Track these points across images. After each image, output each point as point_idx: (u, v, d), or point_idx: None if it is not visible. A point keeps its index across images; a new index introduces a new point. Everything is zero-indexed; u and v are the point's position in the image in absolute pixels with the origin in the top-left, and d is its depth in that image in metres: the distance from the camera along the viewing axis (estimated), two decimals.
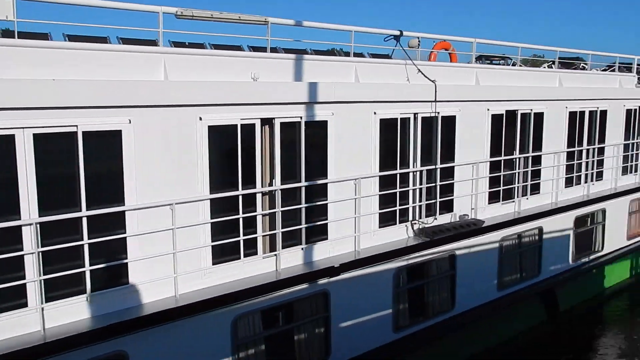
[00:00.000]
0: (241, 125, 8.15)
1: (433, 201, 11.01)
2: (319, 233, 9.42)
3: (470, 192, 11.72)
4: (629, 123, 16.34)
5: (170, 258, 7.60)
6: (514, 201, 12.87)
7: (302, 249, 9.17)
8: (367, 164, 9.93)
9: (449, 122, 11.19)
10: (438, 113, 10.79)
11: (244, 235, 8.40)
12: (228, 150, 8.16)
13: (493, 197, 12.42)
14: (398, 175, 10.35)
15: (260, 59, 8.87)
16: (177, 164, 7.62)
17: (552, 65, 17.50)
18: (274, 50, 11.12)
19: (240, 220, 8.31)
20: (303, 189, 8.99)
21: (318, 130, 9.19)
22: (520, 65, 15.67)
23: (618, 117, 15.84)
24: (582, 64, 17.68)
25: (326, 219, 9.44)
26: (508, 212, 12.74)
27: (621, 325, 14.86)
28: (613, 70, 18.33)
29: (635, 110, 16.55)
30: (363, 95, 9.66)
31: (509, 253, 12.59)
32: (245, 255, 8.48)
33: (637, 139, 16.79)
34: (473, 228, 11.30)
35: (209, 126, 7.82)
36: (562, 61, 17.56)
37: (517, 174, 12.78)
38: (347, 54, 10.94)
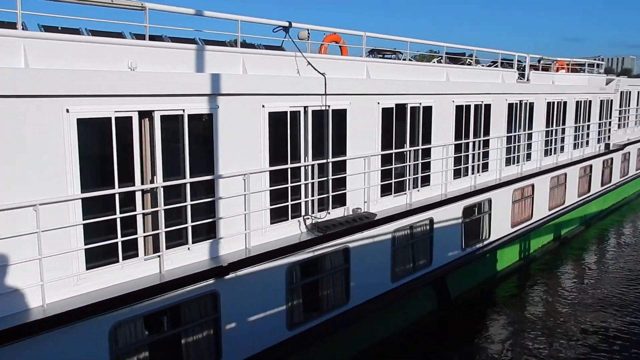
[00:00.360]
0: (116, 118, 7.55)
1: (325, 195, 10.91)
2: (207, 231, 9.00)
3: (362, 185, 11.75)
4: (510, 116, 17.21)
5: (36, 264, 6.90)
6: (405, 193, 13.09)
7: (189, 248, 8.72)
8: (257, 158, 9.62)
9: (340, 116, 11.13)
10: (329, 106, 10.69)
11: (122, 236, 7.82)
12: (101, 146, 7.54)
13: (385, 190, 12.56)
14: (289, 169, 10.14)
15: (140, 47, 8.28)
16: (41, 160, 6.90)
17: (441, 61, 18.08)
18: (157, 38, 10.48)
19: (118, 220, 7.70)
20: (188, 186, 8.53)
21: (203, 124, 8.75)
22: (411, 60, 16.00)
23: (501, 111, 16.62)
24: (468, 60, 18.40)
25: (214, 217, 9.04)
26: (400, 204, 12.95)
27: (511, 306, 15.62)
28: (496, 66, 19.27)
29: (517, 104, 17.45)
30: (250, 88, 9.33)
31: (401, 245, 12.80)
32: (124, 258, 7.90)
33: (518, 131, 17.73)
34: (365, 221, 11.35)
35: (77, 119, 7.16)
36: (449, 56, 18.18)
37: (408, 167, 13.01)
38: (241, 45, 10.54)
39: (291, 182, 10.16)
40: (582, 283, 17.43)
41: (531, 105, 18.26)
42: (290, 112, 10.04)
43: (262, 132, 9.61)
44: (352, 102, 11.28)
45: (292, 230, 10.33)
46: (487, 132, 15.99)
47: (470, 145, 15.31)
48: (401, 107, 12.71)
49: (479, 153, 15.63)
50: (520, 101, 17.60)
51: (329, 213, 10.96)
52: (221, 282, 8.85)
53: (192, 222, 8.64)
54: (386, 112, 12.25)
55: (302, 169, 10.42)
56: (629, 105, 28.41)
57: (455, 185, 14.85)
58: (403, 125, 12.88)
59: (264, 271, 9.51)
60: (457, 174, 14.97)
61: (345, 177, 11.34)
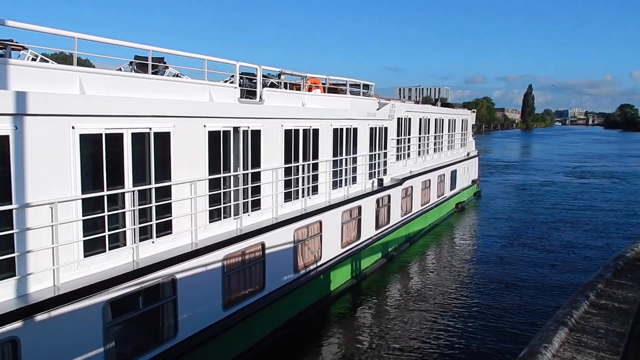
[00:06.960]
0: None
1: None
2: None
3: None
4: (217, 151, 11.88)
5: None
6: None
7: None
8: None
9: None
10: None
11: None
12: None
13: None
14: None
15: None
16: None
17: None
18: None
19: None
20: None
21: None
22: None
23: (194, 142, 11.23)
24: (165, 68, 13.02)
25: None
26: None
27: None
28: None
29: (227, 132, 12.17)
30: None
31: None
32: None
33: (236, 170, 12.51)
34: None
35: None
36: (140, 62, 12.50)
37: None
38: None
39: None
40: None
41: (256, 133, 13.17)
42: None
43: None
44: None
45: None
46: (165, 175, 10.45)
47: (128, 195, 9.60)
48: None
49: (140, 209, 9.94)
50: (235, 128, 12.41)
51: None
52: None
53: None
54: None
55: None
56: (409, 134, 25.20)
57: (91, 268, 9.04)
58: None
59: None
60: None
61: None
